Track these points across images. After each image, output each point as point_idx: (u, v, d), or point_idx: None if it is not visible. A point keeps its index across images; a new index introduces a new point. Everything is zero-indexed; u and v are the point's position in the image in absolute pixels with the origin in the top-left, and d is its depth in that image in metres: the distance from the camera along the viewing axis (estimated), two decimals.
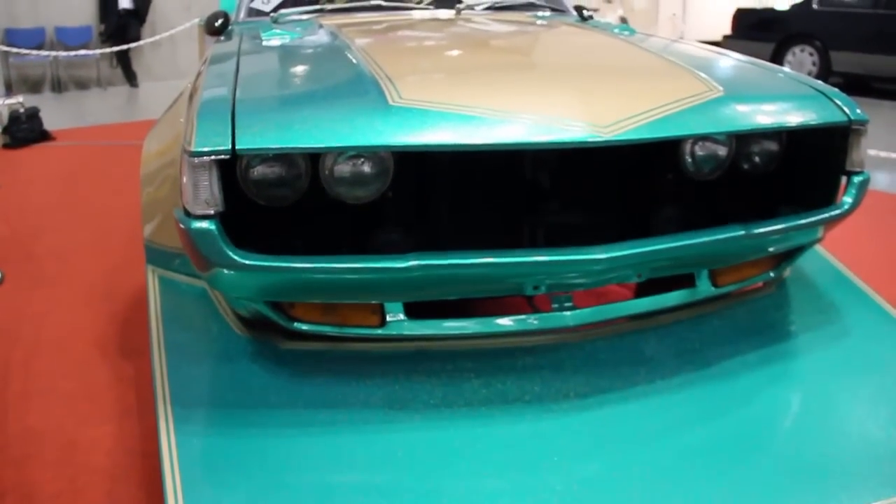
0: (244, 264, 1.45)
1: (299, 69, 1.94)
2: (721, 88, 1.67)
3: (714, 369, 1.70)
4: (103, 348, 2.37)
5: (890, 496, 1.41)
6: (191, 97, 1.88)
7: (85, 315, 2.63)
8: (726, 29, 8.94)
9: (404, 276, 1.49)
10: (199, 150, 1.42)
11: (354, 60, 1.80)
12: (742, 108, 1.64)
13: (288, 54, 2.08)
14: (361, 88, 1.60)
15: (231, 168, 1.50)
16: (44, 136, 5.85)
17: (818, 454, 1.50)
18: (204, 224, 1.44)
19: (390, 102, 1.51)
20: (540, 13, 2.91)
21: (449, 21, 2.67)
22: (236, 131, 1.44)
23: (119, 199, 4.02)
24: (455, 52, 2.11)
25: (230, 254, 1.45)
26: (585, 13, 3.12)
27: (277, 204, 1.63)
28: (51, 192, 4.36)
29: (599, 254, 1.53)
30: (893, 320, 1.88)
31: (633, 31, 2.57)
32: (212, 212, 1.45)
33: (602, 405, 1.60)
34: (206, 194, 1.45)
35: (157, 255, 2.01)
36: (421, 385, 1.63)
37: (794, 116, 1.69)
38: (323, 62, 1.95)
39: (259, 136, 1.43)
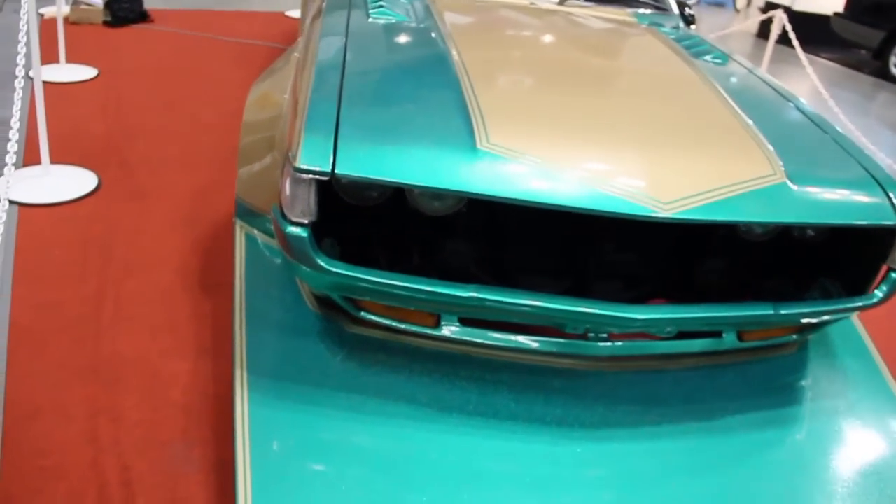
0: (328, 270, 1.67)
1: (399, 79, 2.05)
2: (783, 171, 1.77)
3: (717, 423, 1.89)
4: (186, 278, 2.61)
5: None
6: (301, 68, 2.06)
7: (171, 239, 2.86)
8: (839, 5, 8.53)
9: (462, 302, 1.69)
10: (303, 167, 1.60)
11: (452, 77, 1.95)
12: (799, 199, 1.74)
13: (390, 49, 2.23)
14: (454, 121, 1.75)
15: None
16: (143, 16, 6.03)
17: None
18: (297, 230, 1.65)
19: (478, 146, 1.67)
20: (641, 11, 2.97)
21: (550, 13, 2.79)
22: (337, 155, 1.61)
23: (211, 108, 4.21)
24: (546, 78, 2.18)
25: (317, 260, 1.66)
26: (687, 12, 3.17)
27: (362, 203, 1.85)
28: (146, 86, 4.56)
29: (637, 314, 1.71)
30: None
31: (725, 59, 2.61)
32: (306, 221, 1.66)
33: (610, 440, 1.81)
34: (302, 205, 1.65)
35: (245, 212, 2.22)
36: (461, 390, 1.86)
37: (846, 214, 1.79)
38: (422, 73, 2.06)
39: (356, 165, 1.61)
